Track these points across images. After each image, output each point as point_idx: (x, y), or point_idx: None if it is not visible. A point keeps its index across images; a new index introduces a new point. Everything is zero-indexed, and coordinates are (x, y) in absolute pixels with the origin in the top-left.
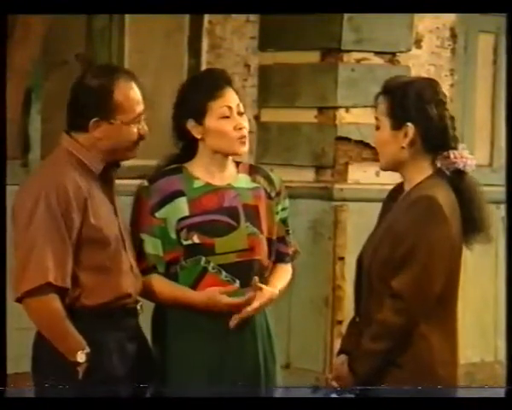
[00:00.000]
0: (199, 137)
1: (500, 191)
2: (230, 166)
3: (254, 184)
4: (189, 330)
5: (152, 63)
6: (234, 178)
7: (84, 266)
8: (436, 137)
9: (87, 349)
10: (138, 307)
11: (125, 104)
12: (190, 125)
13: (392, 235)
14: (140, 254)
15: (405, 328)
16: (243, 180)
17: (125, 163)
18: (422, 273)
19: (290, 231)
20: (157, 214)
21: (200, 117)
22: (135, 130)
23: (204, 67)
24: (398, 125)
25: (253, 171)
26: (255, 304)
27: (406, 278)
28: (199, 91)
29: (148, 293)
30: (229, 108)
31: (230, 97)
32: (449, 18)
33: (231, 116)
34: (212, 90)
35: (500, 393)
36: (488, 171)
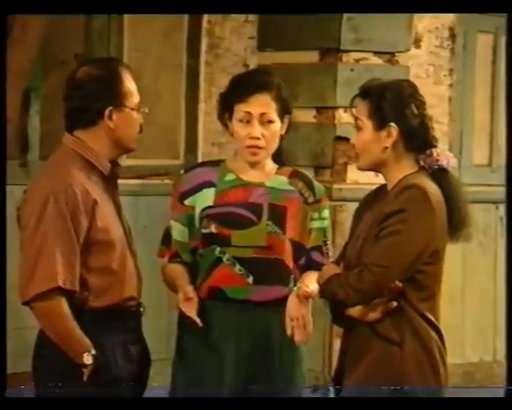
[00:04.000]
0: (230, 132)
1: (499, 191)
2: (268, 166)
3: (290, 187)
4: (202, 328)
5: (150, 63)
6: (269, 177)
7: (92, 268)
8: (418, 136)
9: (93, 351)
10: (141, 310)
11: (131, 89)
12: (225, 118)
13: (378, 223)
14: (169, 240)
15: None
16: (279, 181)
17: (124, 163)
18: (397, 245)
19: (328, 242)
20: (186, 202)
21: (229, 114)
22: (139, 116)
23: (203, 67)
24: (380, 125)
25: (293, 175)
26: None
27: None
28: (232, 90)
29: (164, 280)
30: (249, 114)
31: (257, 104)
32: (448, 18)
33: (250, 123)
34: (239, 93)
35: (499, 393)
36: (487, 171)
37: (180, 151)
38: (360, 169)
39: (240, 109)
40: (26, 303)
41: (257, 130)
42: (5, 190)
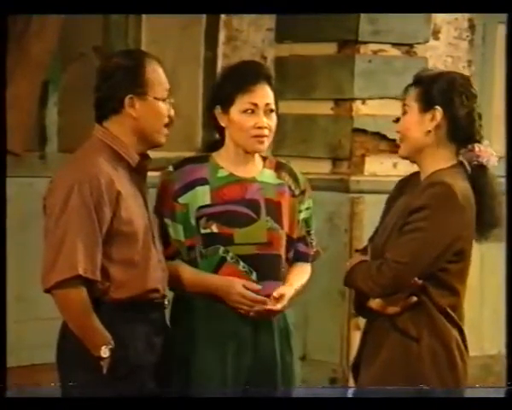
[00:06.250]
0: (223, 125)
1: None
2: (256, 160)
3: (279, 181)
4: (203, 324)
5: (169, 55)
6: (259, 171)
7: (114, 259)
8: (462, 127)
9: (111, 344)
10: (166, 303)
11: (156, 80)
12: (217, 111)
13: (405, 216)
14: (164, 239)
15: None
16: (268, 175)
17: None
18: (418, 242)
19: (312, 232)
20: (180, 200)
21: (226, 106)
22: (167, 107)
23: (220, 59)
24: (426, 108)
25: (278, 167)
26: (278, 306)
27: (403, 244)
28: (231, 81)
29: (171, 278)
30: (255, 104)
31: (260, 94)
32: None
33: (255, 113)
34: (243, 84)
35: (500, 393)
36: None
37: (199, 143)
38: (400, 156)
39: (245, 100)
40: (47, 291)
41: (263, 119)
42: (5, 187)
